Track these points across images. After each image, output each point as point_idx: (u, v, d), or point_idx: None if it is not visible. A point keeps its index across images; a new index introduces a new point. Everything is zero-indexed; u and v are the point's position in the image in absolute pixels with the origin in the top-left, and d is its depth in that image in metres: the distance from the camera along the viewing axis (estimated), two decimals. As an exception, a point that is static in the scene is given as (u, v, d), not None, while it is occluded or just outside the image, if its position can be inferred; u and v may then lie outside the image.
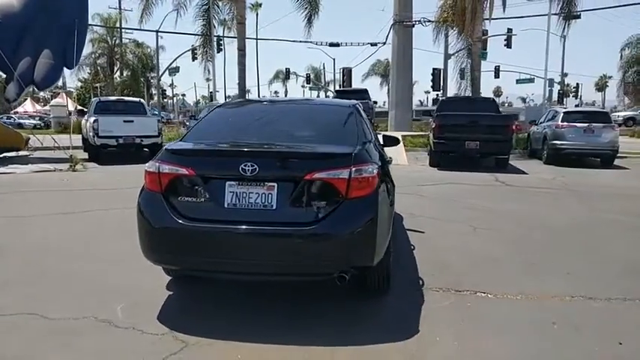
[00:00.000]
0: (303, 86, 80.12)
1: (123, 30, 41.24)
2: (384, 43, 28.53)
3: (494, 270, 4.43)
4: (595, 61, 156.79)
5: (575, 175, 11.08)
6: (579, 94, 56.24)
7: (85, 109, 19.05)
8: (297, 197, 3.08)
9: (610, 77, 72.39)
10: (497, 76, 39.11)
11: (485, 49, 26.91)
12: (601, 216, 6.90)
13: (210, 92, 42.39)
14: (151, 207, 3.27)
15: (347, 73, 28.74)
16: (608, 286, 4.02)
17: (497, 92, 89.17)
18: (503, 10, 20.74)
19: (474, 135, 11.87)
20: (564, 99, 44.08)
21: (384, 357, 2.88)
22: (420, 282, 4.03)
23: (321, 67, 65.23)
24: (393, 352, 2.92)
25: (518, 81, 43.90)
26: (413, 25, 26.31)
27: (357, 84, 36.89)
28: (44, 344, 3.03)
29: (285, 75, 55.77)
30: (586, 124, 13.06)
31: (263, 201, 3.09)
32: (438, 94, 30.46)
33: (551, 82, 38.78)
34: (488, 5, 19.23)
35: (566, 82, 52.46)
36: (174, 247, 3.22)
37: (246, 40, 22.48)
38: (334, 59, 53.43)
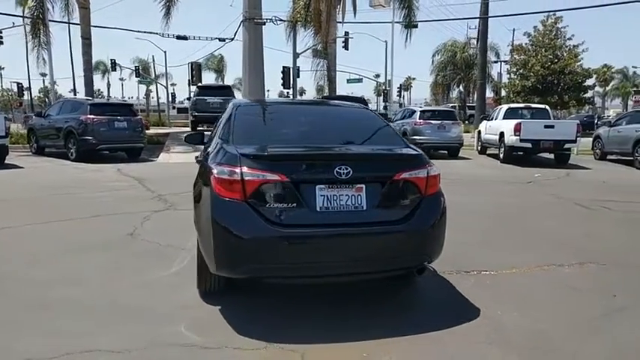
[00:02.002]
0: (121, 79, 74.76)
1: None
2: (232, 39, 28.26)
3: (473, 251, 5.12)
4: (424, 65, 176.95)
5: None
6: (402, 93, 63.47)
7: None
8: (384, 197, 3.26)
9: (414, 79, 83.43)
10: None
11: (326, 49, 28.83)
12: (501, 200, 8.28)
13: (47, 86, 36.74)
14: (234, 216, 3.10)
15: (196, 67, 27.78)
16: (551, 254, 5.00)
17: (320, 89, 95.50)
18: (354, 15, 22.46)
19: None
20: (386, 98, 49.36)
21: (474, 335, 3.24)
22: (432, 268, 4.49)
23: (151, 60, 61.34)
24: (476, 329, 3.30)
25: (348, 81, 47.66)
26: (264, 23, 26.72)
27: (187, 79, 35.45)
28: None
29: (112, 67, 51.04)
30: (439, 121, 15.13)
31: (353, 202, 3.20)
32: (288, 92, 31.46)
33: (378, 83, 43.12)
34: (341, 9, 20.58)
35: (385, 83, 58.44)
36: (268, 255, 3.11)
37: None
38: (165, 52, 50.68)
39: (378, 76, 54.63)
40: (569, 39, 33.98)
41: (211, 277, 3.59)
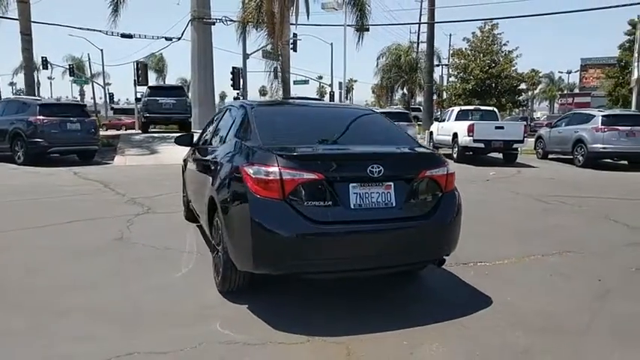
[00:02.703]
0: (50, 78, 70.68)
1: None
2: (179, 39, 27.65)
3: (465, 245, 5.40)
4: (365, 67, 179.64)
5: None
6: (341, 95, 64.37)
7: None
8: (411, 194, 3.46)
9: (355, 81, 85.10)
10: (276, 76, 42.13)
11: (277, 51, 28.85)
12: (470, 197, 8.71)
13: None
14: (275, 215, 3.18)
15: (142, 67, 26.78)
16: (532, 246, 5.43)
17: (263, 91, 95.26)
18: (307, 17, 22.66)
19: None
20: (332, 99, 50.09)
21: (495, 320, 3.50)
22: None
23: (86, 58, 58.49)
24: (495, 315, 3.57)
25: (295, 82, 47.95)
26: (213, 23, 26.35)
27: (130, 78, 34.41)
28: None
29: (43, 65, 48.18)
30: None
31: (383, 199, 3.37)
32: (238, 93, 31.15)
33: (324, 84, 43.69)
34: (294, 11, 20.73)
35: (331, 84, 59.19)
36: (309, 252, 3.21)
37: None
38: (102, 50, 48.52)
39: (321, 77, 55.39)
40: (505, 45, 36.05)
41: (237, 277, 3.64)
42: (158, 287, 4.07)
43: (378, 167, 3.31)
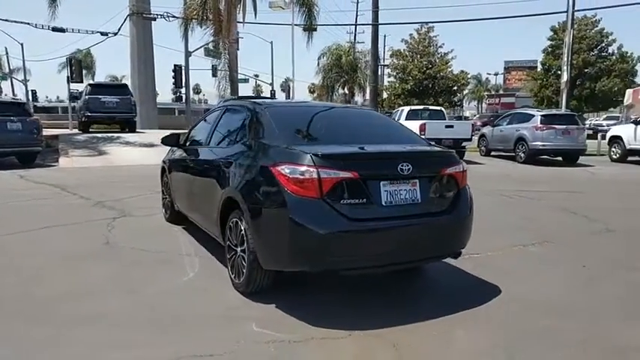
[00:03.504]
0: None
1: None
2: (116, 34, 26.42)
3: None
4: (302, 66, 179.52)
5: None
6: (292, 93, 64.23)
7: None
8: (434, 190, 3.65)
9: (291, 80, 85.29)
10: (214, 74, 41.46)
11: (219, 50, 28.35)
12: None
13: None
14: (313, 214, 3.23)
15: (76, 64, 25.32)
16: (513, 237, 5.83)
17: (197, 89, 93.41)
18: (255, 16, 22.39)
19: None
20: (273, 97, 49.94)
21: (510, 306, 3.75)
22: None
23: (3, 53, 54.28)
24: (509, 302, 3.82)
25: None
26: (154, 19, 25.44)
27: (51, 76, 32.38)
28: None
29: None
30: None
31: (410, 196, 3.52)
32: (180, 91, 30.28)
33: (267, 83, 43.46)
34: (241, 9, 20.46)
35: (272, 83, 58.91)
36: (346, 248, 3.29)
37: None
38: (22, 44, 45.27)
39: (257, 75, 55.05)
40: (441, 47, 37.69)
41: (263, 277, 3.65)
42: (170, 291, 3.98)
43: (408, 165, 3.46)
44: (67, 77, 24.79)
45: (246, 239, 3.64)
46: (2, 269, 4.45)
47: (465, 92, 73.24)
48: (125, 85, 19.63)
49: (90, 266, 4.56)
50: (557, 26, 35.59)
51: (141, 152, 14.82)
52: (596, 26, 34.18)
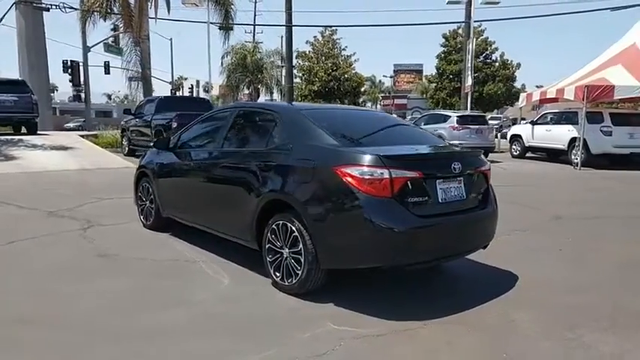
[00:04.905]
0: None
1: None
2: (-2, 24, 23.64)
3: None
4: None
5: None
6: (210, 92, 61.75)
7: None
8: (473, 187, 3.98)
9: (186, 79, 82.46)
10: (107, 72, 38.81)
11: (119, 45, 26.66)
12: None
13: None
14: (386, 212, 3.38)
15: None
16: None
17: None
18: (168, 12, 21.40)
19: None
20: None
21: (532, 289, 4.18)
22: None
23: None
24: (530, 284, 4.26)
25: (131, 79, 44.66)
26: (47, 9, 23.13)
27: None
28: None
29: None
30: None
31: (458, 193, 3.82)
32: (77, 90, 27.86)
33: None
34: (153, 4, 19.51)
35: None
36: (415, 244, 3.49)
37: None
38: None
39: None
40: (344, 49, 39.01)
41: (319, 276, 3.70)
42: (219, 298, 3.86)
43: (458, 164, 3.75)
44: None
45: (302, 241, 3.66)
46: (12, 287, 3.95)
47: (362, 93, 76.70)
48: (23, 82, 17.59)
49: (103, 281, 4.20)
50: (447, 34, 38.72)
51: (56, 156, 13.51)
52: (482, 35, 37.77)
